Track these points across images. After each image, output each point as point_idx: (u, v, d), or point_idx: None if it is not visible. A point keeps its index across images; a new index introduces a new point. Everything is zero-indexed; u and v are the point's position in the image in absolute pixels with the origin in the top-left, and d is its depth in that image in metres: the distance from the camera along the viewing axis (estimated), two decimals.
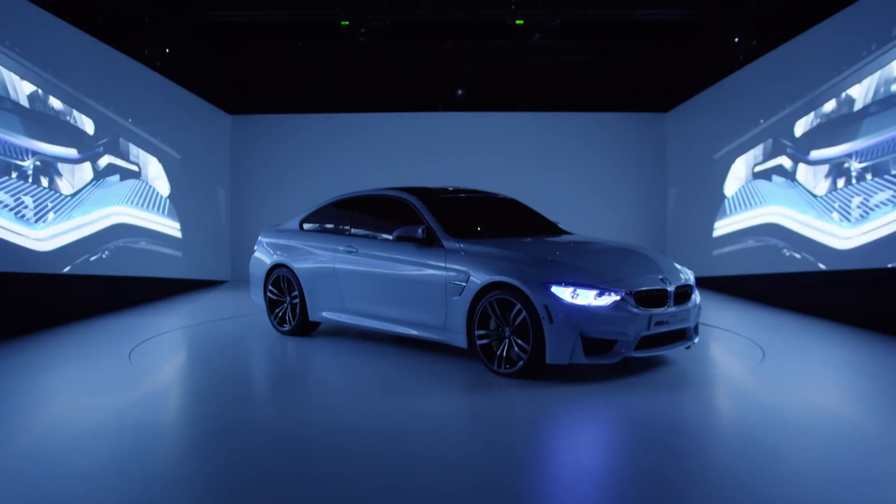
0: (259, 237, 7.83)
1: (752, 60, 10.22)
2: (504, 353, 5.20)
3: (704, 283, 11.94)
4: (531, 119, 14.08)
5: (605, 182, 14.02)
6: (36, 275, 7.47)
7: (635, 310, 4.98)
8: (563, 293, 4.94)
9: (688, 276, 5.62)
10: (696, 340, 5.66)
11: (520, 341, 5.10)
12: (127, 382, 5.33)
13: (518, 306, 5.07)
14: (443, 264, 5.66)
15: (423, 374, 5.50)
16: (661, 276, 5.27)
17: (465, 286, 5.42)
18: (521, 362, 5.07)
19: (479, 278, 5.34)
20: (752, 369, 5.66)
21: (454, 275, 5.53)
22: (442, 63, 13.80)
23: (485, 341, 5.32)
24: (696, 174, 12.62)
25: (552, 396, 4.77)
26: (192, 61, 12.35)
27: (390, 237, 6.14)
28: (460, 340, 5.51)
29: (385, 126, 13.97)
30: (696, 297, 5.62)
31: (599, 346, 4.95)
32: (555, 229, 6.69)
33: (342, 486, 3.26)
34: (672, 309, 5.20)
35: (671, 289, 5.22)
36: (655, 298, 5.14)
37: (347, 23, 11.51)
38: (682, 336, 5.43)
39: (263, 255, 7.57)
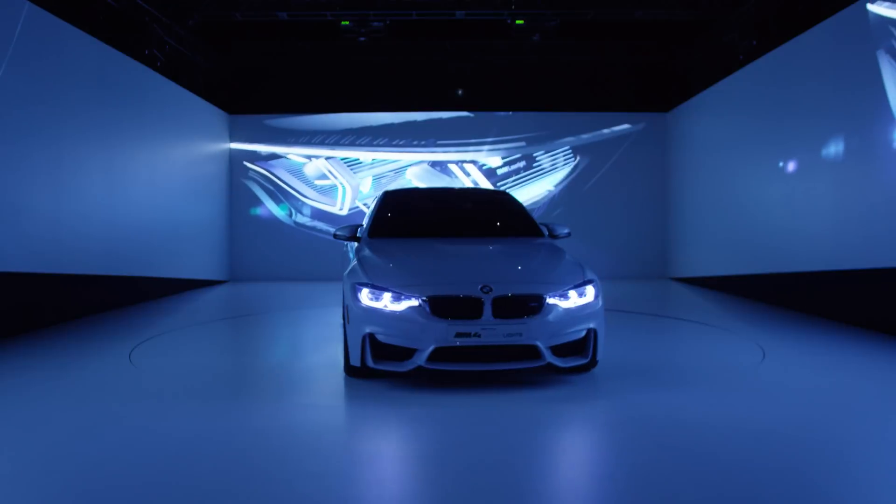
0: None
1: (752, 60, 10.22)
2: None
3: (705, 282, 11.94)
4: (531, 119, 14.08)
5: (605, 182, 14.02)
6: (36, 274, 7.47)
7: (430, 318, 4.65)
8: (363, 295, 4.86)
9: (557, 287, 4.88)
10: (573, 364, 4.92)
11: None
12: (128, 383, 5.33)
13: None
14: (349, 263, 5.78)
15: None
16: (482, 285, 4.73)
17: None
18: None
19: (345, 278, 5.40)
20: (752, 369, 5.66)
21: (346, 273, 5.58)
22: (442, 63, 13.80)
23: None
24: (697, 174, 12.62)
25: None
26: (192, 61, 12.35)
27: None
28: None
29: (385, 126, 13.97)
30: (569, 309, 4.86)
31: (392, 352, 4.77)
32: (531, 231, 6.21)
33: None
34: (489, 320, 4.65)
35: (487, 298, 4.68)
36: (461, 307, 4.68)
37: (348, 23, 11.52)
38: (533, 354, 4.76)
39: None
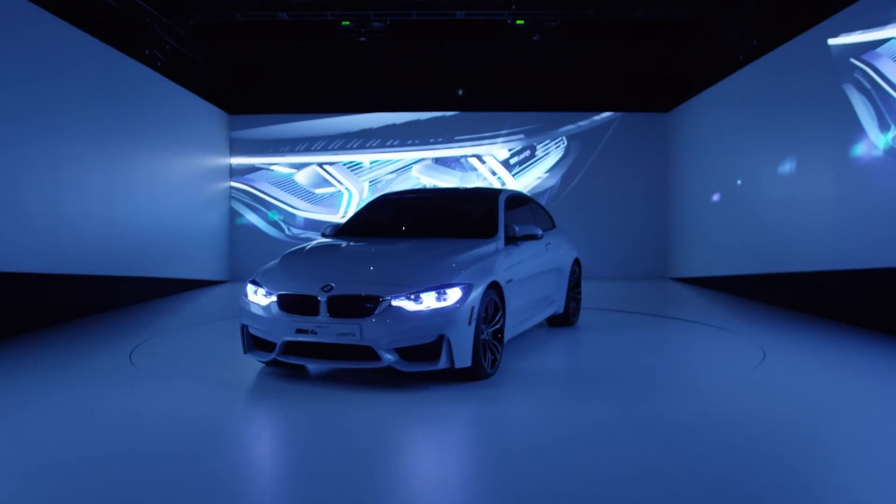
0: None
1: (752, 60, 10.23)
2: None
3: (705, 282, 11.94)
4: (531, 119, 14.09)
5: (604, 181, 14.02)
6: (35, 274, 7.47)
7: (279, 313, 5.01)
8: (248, 290, 5.34)
9: (405, 289, 4.80)
10: (419, 369, 4.79)
11: None
12: (129, 383, 5.33)
13: None
14: None
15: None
16: (324, 284, 4.90)
17: None
18: None
19: None
20: (752, 369, 5.66)
21: None
22: (442, 63, 13.80)
23: None
24: (697, 174, 12.63)
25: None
26: (192, 61, 12.35)
27: None
28: None
29: (385, 126, 13.97)
30: (417, 312, 4.74)
31: (260, 343, 5.22)
32: (483, 233, 5.90)
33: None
34: (324, 319, 4.80)
35: (322, 297, 4.83)
36: (301, 305, 4.93)
37: (348, 23, 11.53)
38: (370, 355, 4.76)
39: None
